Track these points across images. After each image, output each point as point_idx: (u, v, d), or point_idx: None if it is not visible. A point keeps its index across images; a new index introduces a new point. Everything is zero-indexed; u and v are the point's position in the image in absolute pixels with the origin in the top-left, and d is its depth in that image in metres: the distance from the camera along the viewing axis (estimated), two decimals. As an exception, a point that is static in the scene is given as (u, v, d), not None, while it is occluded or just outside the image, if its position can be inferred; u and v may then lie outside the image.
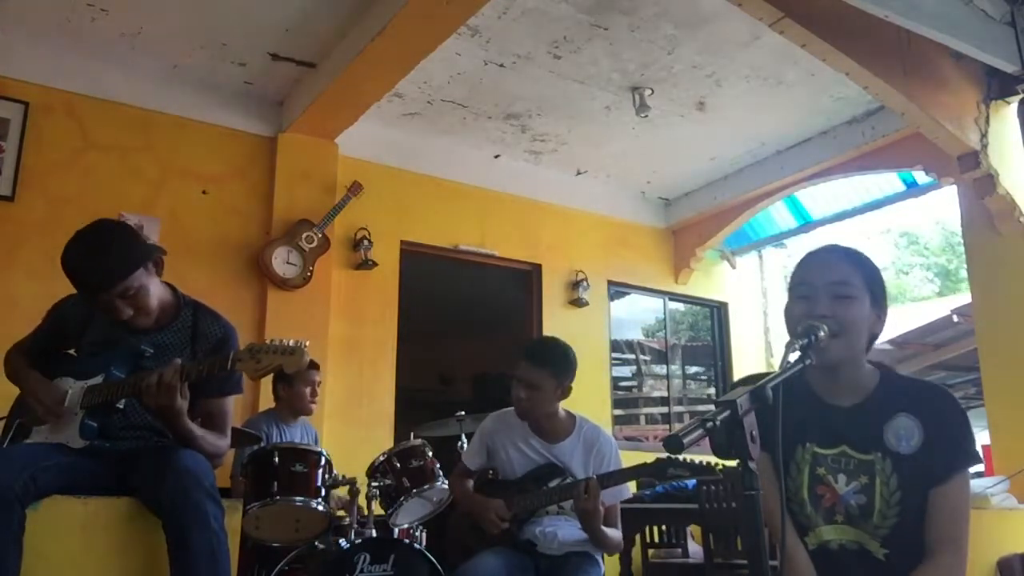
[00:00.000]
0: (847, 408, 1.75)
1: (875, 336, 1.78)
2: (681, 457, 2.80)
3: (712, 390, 7.54)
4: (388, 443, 5.13)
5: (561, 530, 2.89)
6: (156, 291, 2.30)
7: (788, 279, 1.84)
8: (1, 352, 2.52)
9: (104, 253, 2.19)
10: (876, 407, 1.73)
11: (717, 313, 7.46)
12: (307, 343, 2.09)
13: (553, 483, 2.89)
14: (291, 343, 2.07)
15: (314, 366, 4.28)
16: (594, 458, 2.92)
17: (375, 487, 3.42)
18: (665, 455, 2.77)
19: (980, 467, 5.30)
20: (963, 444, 1.69)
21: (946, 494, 1.67)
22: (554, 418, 2.96)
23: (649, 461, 2.85)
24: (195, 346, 2.34)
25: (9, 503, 1.90)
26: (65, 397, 2.26)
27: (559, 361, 2.91)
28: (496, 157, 6.25)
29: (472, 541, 3.00)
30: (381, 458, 3.58)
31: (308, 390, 4.29)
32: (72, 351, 2.41)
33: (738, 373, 7.21)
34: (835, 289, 1.71)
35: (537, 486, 2.90)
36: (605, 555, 2.96)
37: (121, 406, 2.26)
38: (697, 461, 2.89)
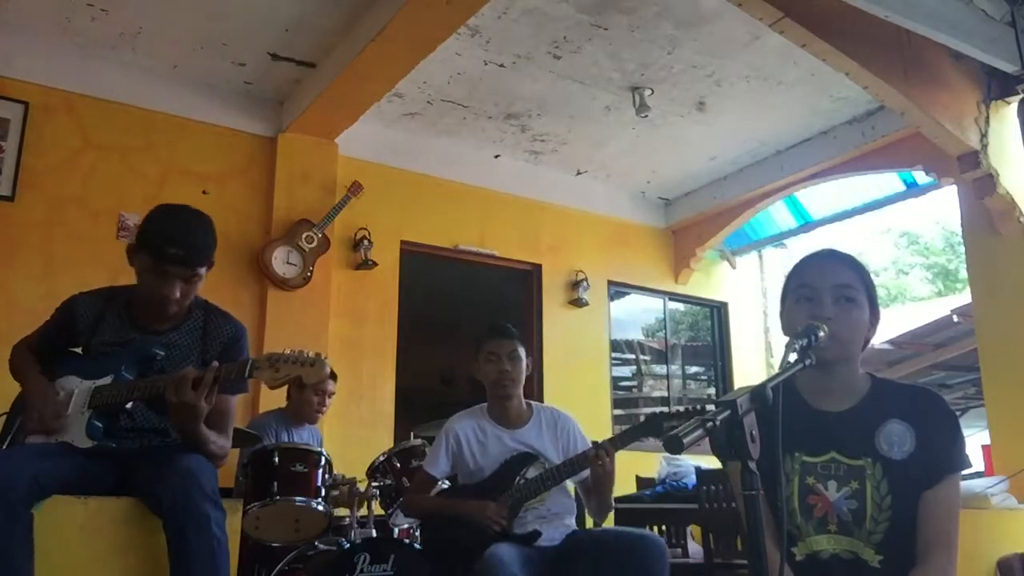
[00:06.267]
0: (837, 413, 1.74)
1: (867, 342, 1.78)
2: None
3: (712, 390, 7.53)
4: (388, 443, 5.13)
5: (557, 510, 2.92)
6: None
7: (785, 283, 1.82)
8: (1, 353, 2.52)
9: (203, 234, 2.25)
10: (867, 412, 1.73)
11: (717, 313, 7.46)
12: (327, 356, 2.09)
13: (530, 469, 2.88)
14: (311, 354, 2.07)
15: (331, 376, 4.26)
16: (560, 436, 2.99)
17: (375, 487, 3.42)
18: (659, 410, 2.87)
19: (979, 467, 5.30)
20: (955, 449, 1.70)
21: (937, 497, 1.66)
22: (518, 403, 3.03)
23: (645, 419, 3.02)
24: (205, 346, 2.32)
25: (11, 505, 1.88)
26: (65, 406, 2.23)
27: (518, 335, 3.08)
28: (496, 157, 6.25)
29: (471, 540, 2.98)
30: (381, 458, 3.58)
31: (317, 399, 4.25)
32: (79, 349, 2.37)
33: (738, 373, 7.22)
34: (839, 291, 1.71)
35: (512, 475, 2.88)
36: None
37: (128, 407, 2.25)
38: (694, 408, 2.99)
